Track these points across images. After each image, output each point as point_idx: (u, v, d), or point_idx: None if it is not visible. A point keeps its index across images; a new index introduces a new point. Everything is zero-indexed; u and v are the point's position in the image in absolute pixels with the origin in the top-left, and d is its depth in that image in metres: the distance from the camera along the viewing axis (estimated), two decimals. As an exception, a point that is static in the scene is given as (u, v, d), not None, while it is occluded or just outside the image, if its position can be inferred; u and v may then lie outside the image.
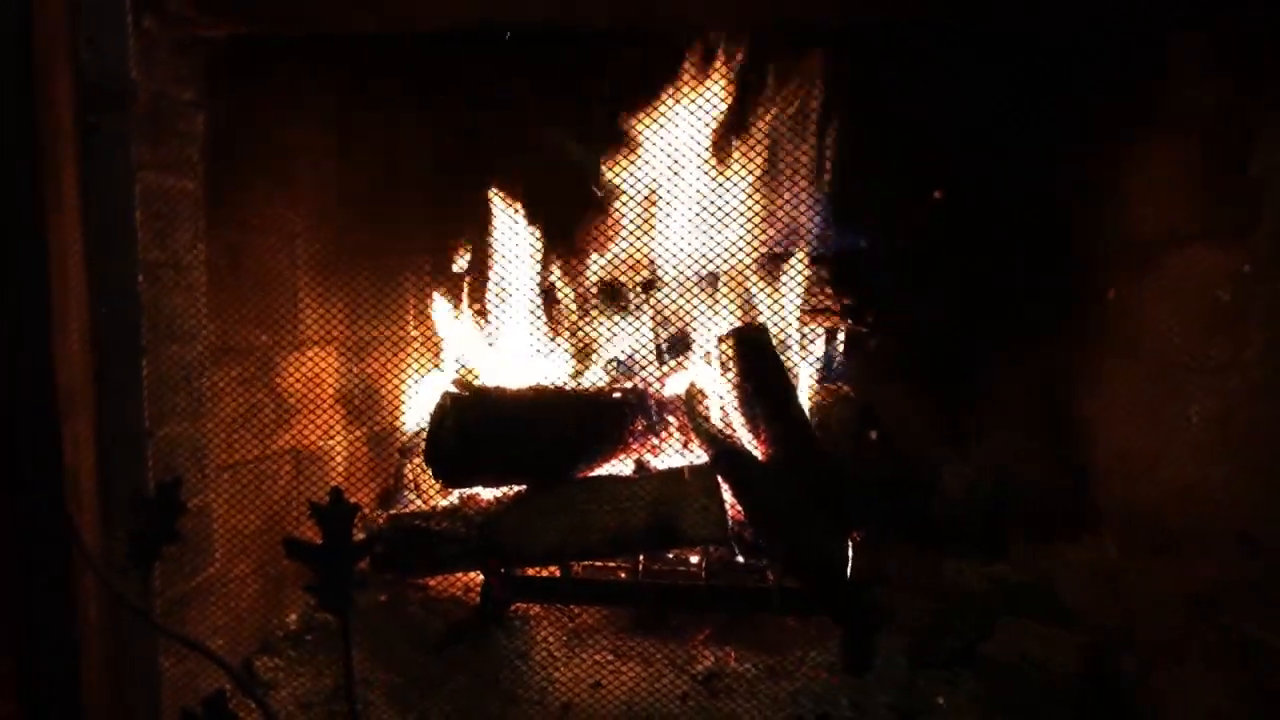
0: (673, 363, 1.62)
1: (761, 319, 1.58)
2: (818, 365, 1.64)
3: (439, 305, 1.78)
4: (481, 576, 1.50)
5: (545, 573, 1.49)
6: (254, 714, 0.99)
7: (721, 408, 1.55)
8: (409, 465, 1.72)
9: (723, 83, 1.54)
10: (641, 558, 1.47)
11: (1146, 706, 1.26)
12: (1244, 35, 1.10)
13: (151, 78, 1.09)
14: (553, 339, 1.69)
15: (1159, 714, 1.23)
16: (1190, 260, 1.24)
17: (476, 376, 1.67)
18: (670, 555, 1.52)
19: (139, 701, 1.04)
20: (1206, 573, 1.18)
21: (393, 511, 1.59)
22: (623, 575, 1.48)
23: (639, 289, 1.65)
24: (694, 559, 1.51)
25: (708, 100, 1.51)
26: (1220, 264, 1.18)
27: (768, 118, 1.56)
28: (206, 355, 1.21)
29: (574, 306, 1.69)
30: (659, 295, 1.63)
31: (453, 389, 1.46)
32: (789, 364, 1.59)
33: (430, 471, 1.49)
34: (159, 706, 1.07)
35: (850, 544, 1.40)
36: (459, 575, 1.59)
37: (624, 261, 1.64)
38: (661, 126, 1.51)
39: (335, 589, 0.60)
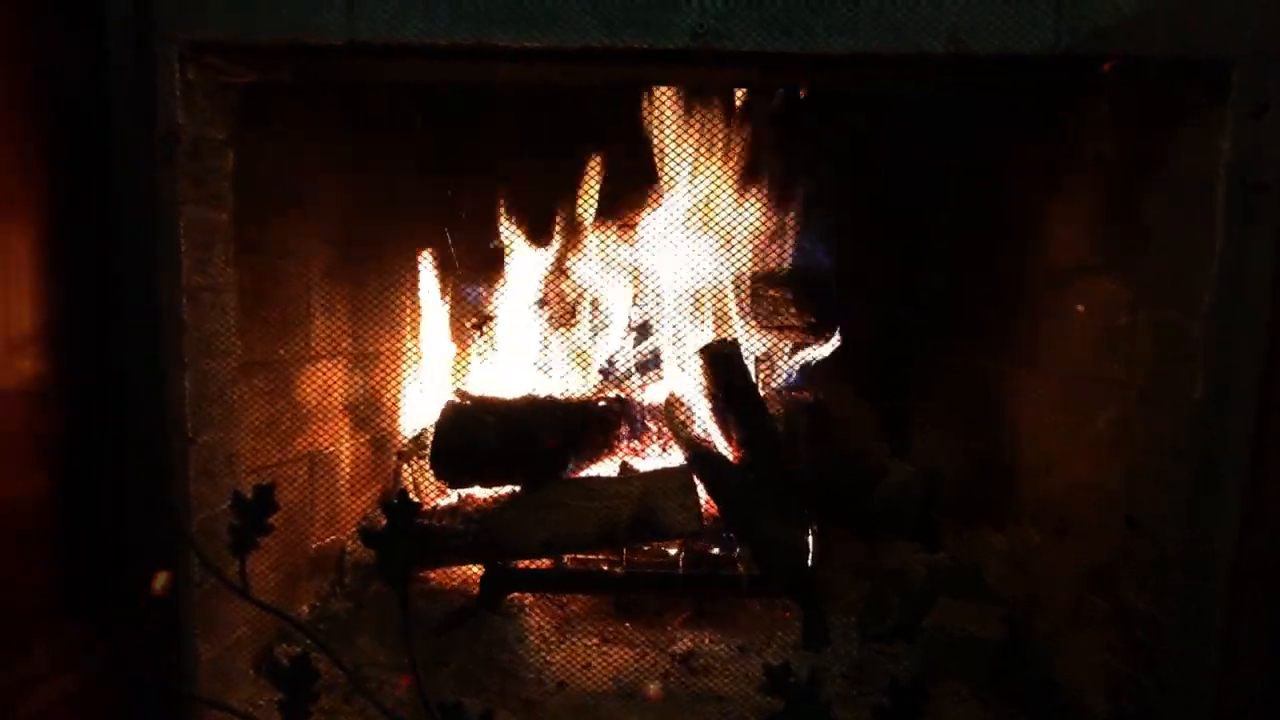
0: (654, 373, 1.79)
1: (733, 334, 1.76)
2: (783, 375, 1.82)
3: (438, 320, 1.92)
4: (479, 570, 1.64)
5: (538, 565, 1.64)
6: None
7: (698, 414, 1.72)
8: (407, 468, 1.86)
9: (700, 124, 1.71)
10: (625, 551, 1.63)
11: (1053, 666, 1.46)
12: (1133, 101, 1.30)
13: (192, 120, 1.21)
14: (544, 352, 1.85)
15: (1062, 672, 1.43)
16: (1095, 288, 1.43)
17: (473, 387, 1.81)
18: (649, 548, 1.68)
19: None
20: (1102, 553, 1.36)
21: (395, 510, 1.72)
22: (606, 567, 1.64)
23: (623, 306, 1.81)
24: (671, 551, 1.67)
25: (687, 139, 1.68)
26: (1119, 293, 1.37)
27: (740, 156, 1.73)
28: (236, 369, 1.34)
29: (564, 322, 1.84)
30: (642, 312, 1.79)
31: (454, 398, 1.60)
32: (757, 375, 1.76)
33: (433, 473, 1.63)
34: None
35: (809, 535, 1.57)
36: (458, 569, 1.73)
37: (609, 281, 1.80)
38: (647, 162, 1.68)
39: (394, 569, 0.75)
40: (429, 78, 1.37)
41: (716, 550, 1.66)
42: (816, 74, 1.23)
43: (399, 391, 1.87)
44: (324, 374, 1.64)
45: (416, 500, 0.76)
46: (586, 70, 1.24)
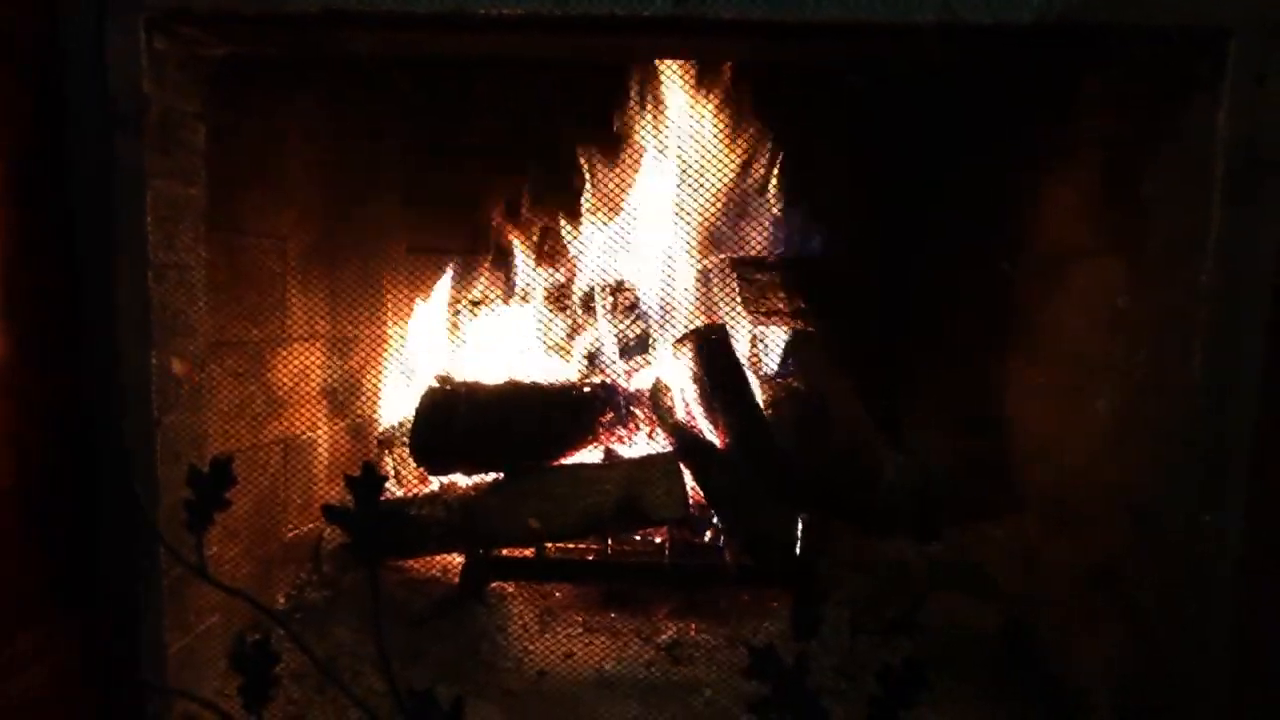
0: (640, 359, 1.75)
1: (721, 320, 1.72)
2: (771, 362, 1.79)
3: (418, 304, 1.88)
4: (460, 559, 1.61)
5: (521, 554, 1.60)
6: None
7: (684, 401, 1.68)
8: (388, 456, 1.82)
9: (685, 102, 1.68)
10: (610, 539, 1.60)
11: (1056, 663, 1.43)
12: (1130, 75, 1.27)
13: (161, 92, 1.17)
14: (527, 337, 1.81)
15: (1065, 669, 1.41)
16: (1095, 271, 1.40)
17: (456, 372, 1.77)
18: (637, 537, 1.65)
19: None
20: (1105, 546, 1.33)
21: (375, 498, 1.68)
22: (592, 557, 1.60)
23: (608, 291, 1.77)
24: (658, 540, 1.64)
25: (671, 117, 1.64)
26: (1119, 275, 1.34)
27: (726, 134, 1.70)
28: (206, 349, 1.30)
29: (547, 307, 1.81)
30: (627, 297, 1.76)
31: (435, 383, 1.56)
32: (746, 361, 1.73)
33: (414, 460, 1.59)
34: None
35: (798, 523, 1.54)
36: (438, 557, 1.69)
37: (594, 265, 1.76)
38: (628, 141, 1.64)
39: (365, 546, 0.71)
40: (406, 51, 1.33)
41: (705, 538, 1.63)
42: (805, 45, 1.20)
43: (380, 377, 1.83)
44: (300, 357, 1.60)
45: (383, 475, 0.72)
46: (567, 40, 1.20)
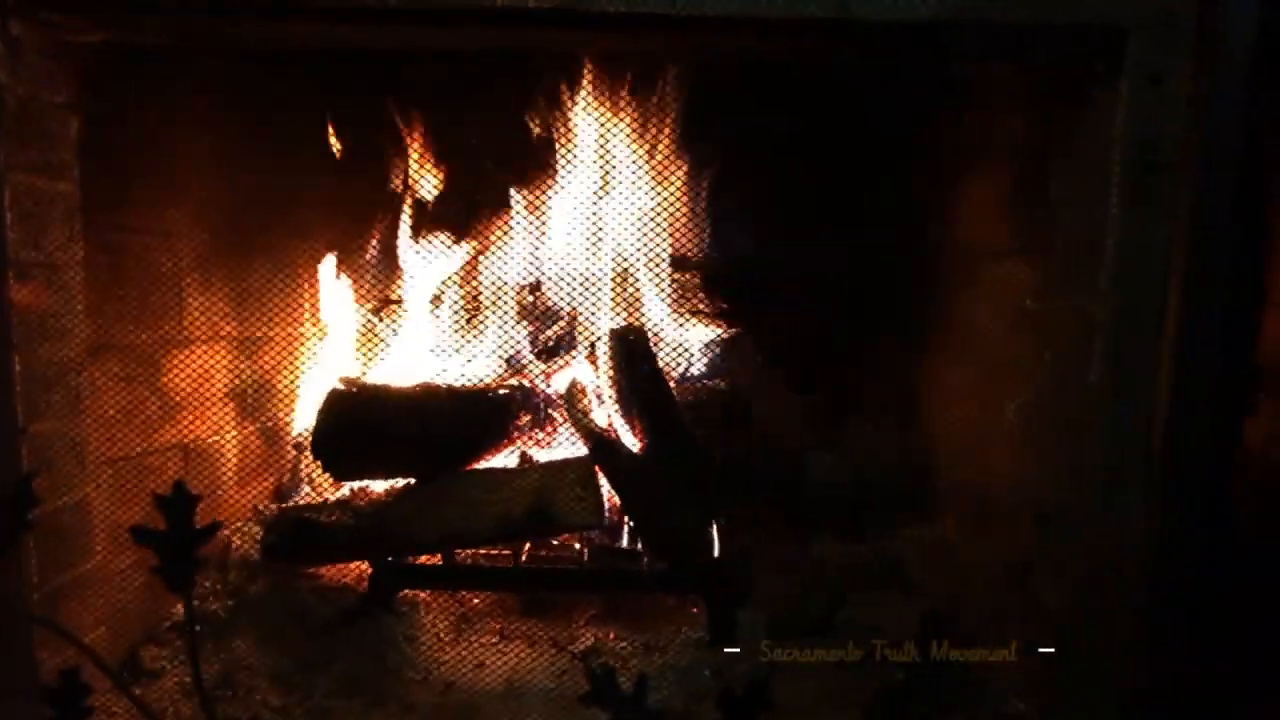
0: (557, 361, 1.71)
1: (640, 321, 1.69)
2: (692, 363, 1.76)
3: (331, 304, 1.82)
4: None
5: (434, 561, 1.56)
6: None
7: (602, 403, 1.65)
8: (304, 460, 1.76)
9: (604, 100, 1.64)
10: (527, 545, 1.56)
11: (972, 664, 1.42)
12: (1035, 74, 1.25)
13: (19, 80, 1.11)
14: (441, 338, 1.76)
15: (981, 670, 1.39)
16: (1006, 273, 1.39)
17: (365, 374, 1.72)
18: (555, 542, 1.62)
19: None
20: (1017, 547, 1.34)
21: (284, 504, 1.63)
22: (516, 562, 1.56)
23: (526, 290, 1.73)
24: (577, 545, 1.60)
25: (591, 115, 1.60)
26: (1029, 277, 1.33)
27: (647, 134, 1.66)
28: (83, 353, 1.23)
29: (462, 307, 1.76)
30: (545, 297, 1.71)
31: (339, 385, 1.51)
32: (667, 363, 1.69)
33: (319, 465, 1.54)
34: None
35: (716, 526, 1.52)
36: (352, 565, 1.64)
37: (511, 264, 1.72)
38: (548, 139, 1.60)
39: (178, 571, 0.67)
40: (293, 42, 1.27)
41: (624, 543, 1.59)
42: (697, 40, 1.16)
43: (294, 379, 1.77)
44: (200, 359, 1.53)
45: (196, 494, 0.67)
46: (453, 34, 1.16)
